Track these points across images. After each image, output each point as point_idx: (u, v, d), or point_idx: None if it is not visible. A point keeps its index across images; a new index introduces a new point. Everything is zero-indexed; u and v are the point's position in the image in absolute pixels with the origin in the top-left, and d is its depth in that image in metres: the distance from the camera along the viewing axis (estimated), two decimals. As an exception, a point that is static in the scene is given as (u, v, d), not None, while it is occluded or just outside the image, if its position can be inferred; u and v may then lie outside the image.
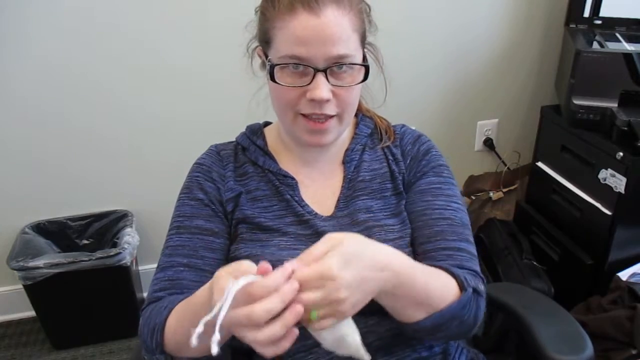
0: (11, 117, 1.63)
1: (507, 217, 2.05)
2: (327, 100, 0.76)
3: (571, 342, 0.87)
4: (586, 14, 1.71)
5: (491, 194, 2.07)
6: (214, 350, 0.53)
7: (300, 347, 0.77)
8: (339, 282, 0.57)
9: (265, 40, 0.79)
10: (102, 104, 1.67)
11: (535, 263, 1.70)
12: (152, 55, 1.64)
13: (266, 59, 0.79)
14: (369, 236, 0.81)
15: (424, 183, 0.87)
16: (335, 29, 0.73)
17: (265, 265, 0.58)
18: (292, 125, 0.81)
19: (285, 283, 0.56)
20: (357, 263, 0.60)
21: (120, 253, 1.62)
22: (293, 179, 0.86)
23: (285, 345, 0.57)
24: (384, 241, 0.80)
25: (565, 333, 0.89)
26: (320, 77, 0.74)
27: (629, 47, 1.56)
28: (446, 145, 1.87)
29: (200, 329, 0.54)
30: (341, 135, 0.87)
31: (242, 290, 0.55)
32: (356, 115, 0.92)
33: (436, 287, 0.72)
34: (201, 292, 0.68)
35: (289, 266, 0.57)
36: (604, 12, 1.70)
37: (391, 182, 0.88)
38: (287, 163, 0.88)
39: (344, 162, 0.89)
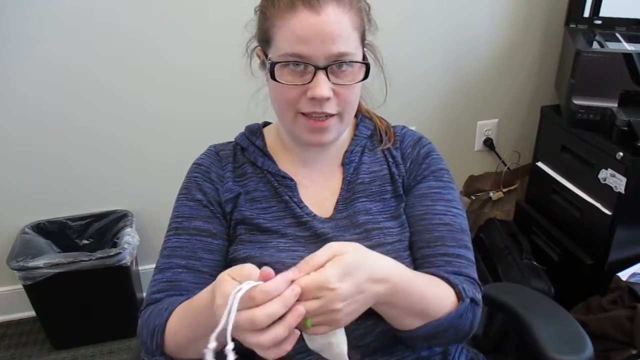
0: (11, 117, 1.63)
1: (507, 217, 2.05)
2: (328, 99, 0.75)
3: (571, 342, 0.87)
4: (586, 14, 1.71)
5: (491, 194, 2.07)
6: (231, 358, 0.54)
7: (300, 348, 0.77)
8: (337, 294, 0.58)
9: (265, 39, 0.78)
10: (102, 104, 1.67)
11: (535, 263, 1.70)
12: (152, 55, 1.64)
13: (266, 58, 0.79)
14: (368, 238, 0.81)
15: (424, 187, 0.87)
16: (335, 27, 0.73)
17: (267, 270, 0.58)
18: (292, 125, 0.80)
19: (286, 288, 0.56)
20: (356, 275, 0.60)
21: (120, 253, 1.62)
22: (292, 180, 0.86)
23: (287, 347, 0.57)
24: (383, 244, 0.80)
25: (565, 333, 0.89)
26: (321, 75, 0.74)
27: (629, 47, 1.56)
28: (446, 145, 1.89)
29: (212, 345, 0.54)
30: (341, 135, 0.86)
31: (244, 294, 0.55)
32: (356, 116, 0.92)
33: (434, 297, 0.72)
34: (203, 295, 0.67)
35: (289, 274, 0.58)
36: (604, 12, 1.70)
37: (391, 184, 0.88)
38: (286, 164, 0.88)
39: (343, 164, 0.89)
